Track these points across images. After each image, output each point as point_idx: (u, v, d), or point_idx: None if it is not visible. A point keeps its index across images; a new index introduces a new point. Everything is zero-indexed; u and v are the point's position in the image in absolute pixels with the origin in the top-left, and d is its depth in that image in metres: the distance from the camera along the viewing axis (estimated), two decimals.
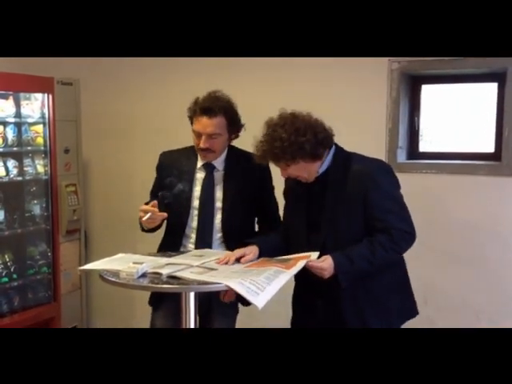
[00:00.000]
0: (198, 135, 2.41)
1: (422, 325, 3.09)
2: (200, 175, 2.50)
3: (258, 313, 1.92)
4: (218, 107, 2.38)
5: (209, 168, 2.50)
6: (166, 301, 2.45)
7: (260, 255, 2.23)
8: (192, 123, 2.44)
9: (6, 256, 3.35)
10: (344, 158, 2.21)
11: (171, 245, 2.48)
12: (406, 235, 2.12)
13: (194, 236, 2.48)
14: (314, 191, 2.23)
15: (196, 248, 2.45)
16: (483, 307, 3.06)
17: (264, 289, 1.85)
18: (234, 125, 2.44)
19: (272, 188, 2.58)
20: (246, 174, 2.48)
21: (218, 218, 2.47)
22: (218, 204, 2.48)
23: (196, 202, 2.48)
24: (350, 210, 2.14)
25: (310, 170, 2.18)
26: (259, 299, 1.81)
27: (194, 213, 2.47)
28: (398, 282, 2.25)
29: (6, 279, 3.31)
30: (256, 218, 2.61)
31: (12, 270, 3.36)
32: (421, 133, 3.42)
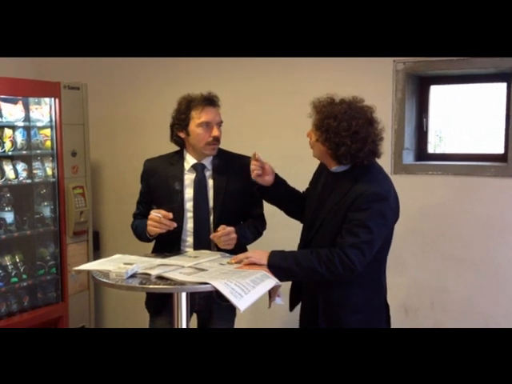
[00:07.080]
0: (207, 126, 2.43)
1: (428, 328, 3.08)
2: (189, 177, 2.51)
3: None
4: (216, 98, 2.48)
5: (199, 167, 2.50)
6: (166, 307, 2.41)
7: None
8: (184, 126, 2.46)
9: (16, 257, 3.43)
10: (359, 173, 2.15)
11: (167, 250, 2.45)
12: (348, 262, 2.05)
13: (190, 239, 2.48)
14: (325, 186, 2.26)
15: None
16: (491, 310, 3.01)
17: (248, 292, 1.86)
18: None
19: None
20: (234, 173, 2.50)
21: (211, 218, 2.48)
22: (210, 203, 2.48)
23: (189, 204, 2.48)
24: (338, 220, 2.14)
25: (323, 158, 2.22)
26: (242, 302, 1.82)
27: (188, 215, 2.47)
28: (363, 300, 2.19)
29: (15, 279, 3.39)
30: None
31: (22, 270, 3.44)
32: (439, 134, 3.36)
